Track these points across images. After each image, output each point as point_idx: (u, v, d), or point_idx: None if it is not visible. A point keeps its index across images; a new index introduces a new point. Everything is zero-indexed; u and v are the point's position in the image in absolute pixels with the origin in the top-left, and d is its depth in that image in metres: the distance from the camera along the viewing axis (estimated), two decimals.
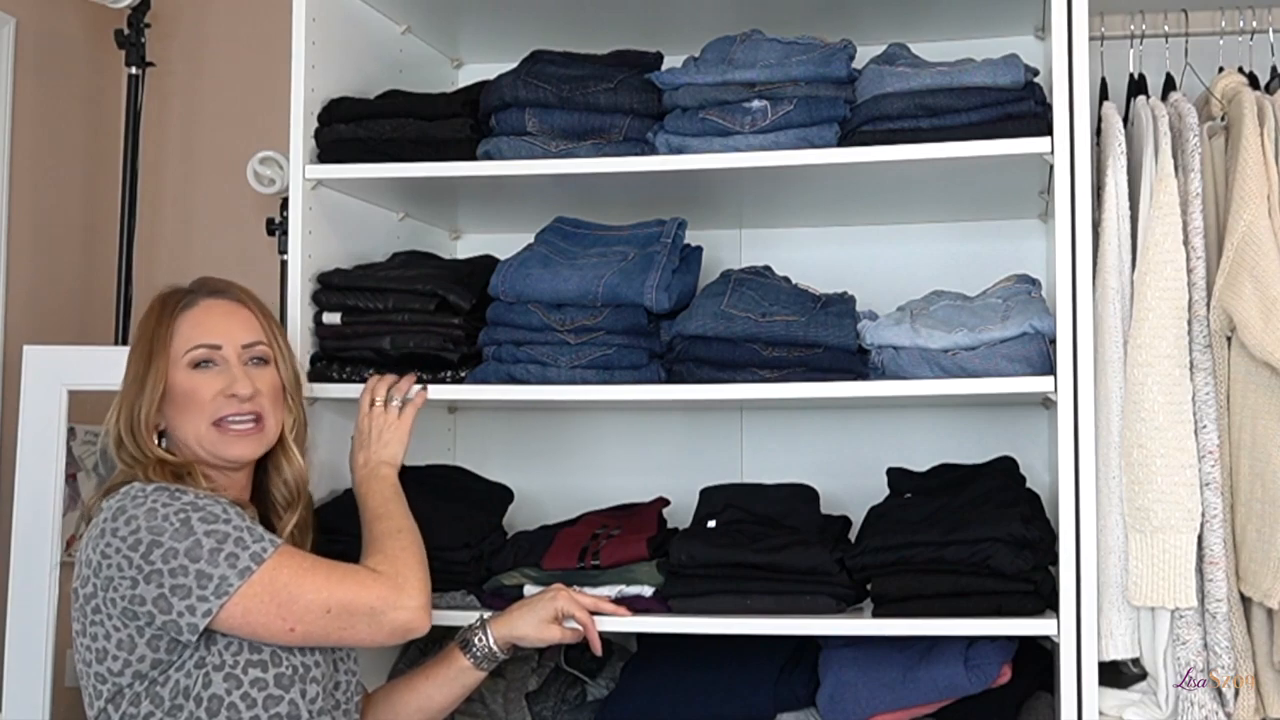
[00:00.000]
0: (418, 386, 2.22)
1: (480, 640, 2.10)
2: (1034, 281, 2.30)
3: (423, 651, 2.41)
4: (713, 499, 2.36)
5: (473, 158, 2.30)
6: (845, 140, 2.18)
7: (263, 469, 2.02)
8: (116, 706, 1.80)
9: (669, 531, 2.33)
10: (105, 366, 2.50)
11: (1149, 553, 2.03)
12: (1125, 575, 2.05)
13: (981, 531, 2.06)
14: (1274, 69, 2.33)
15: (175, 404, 1.93)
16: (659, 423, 2.77)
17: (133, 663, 1.78)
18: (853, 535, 2.31)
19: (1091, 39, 2.20)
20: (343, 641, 1.88)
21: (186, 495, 1.81)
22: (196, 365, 1.94)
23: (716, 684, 2.24)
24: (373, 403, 2.20)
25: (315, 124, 2.33)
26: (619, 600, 2.17)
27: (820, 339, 2.17)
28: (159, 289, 2.02)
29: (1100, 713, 2.05)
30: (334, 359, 2.31)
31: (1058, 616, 2.05)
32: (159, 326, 1.95)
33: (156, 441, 1.92)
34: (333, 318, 2.31)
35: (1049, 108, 2.12)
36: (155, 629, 1.77)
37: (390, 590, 1.89)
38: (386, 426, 2.17)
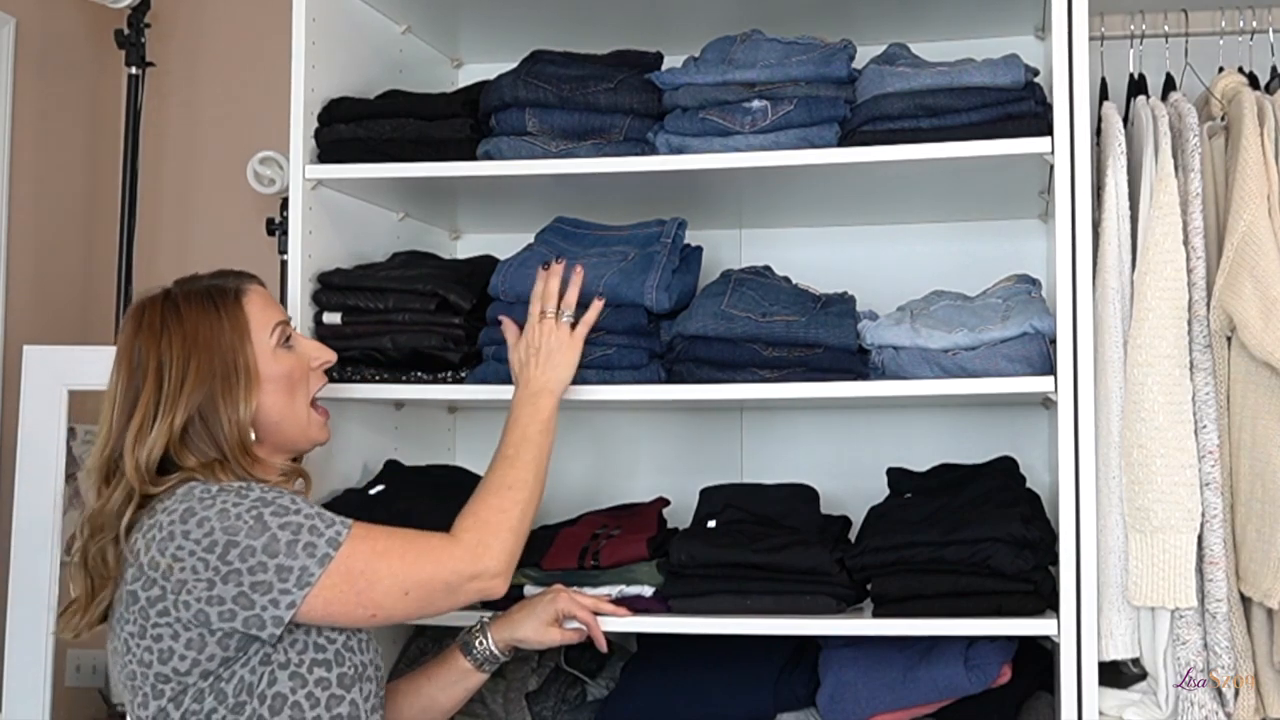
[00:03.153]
0: (598, 304, 2.14)
1: (481, 643, 2.10)
2: (1034, 281, 2.30)
3: (423, 651, 2.42)
4: (713, 499, 2.36)
5: (473, 158, 2.30)
6: (845, 140, 2.18)
7: None
8: (178, 705, 1.77)
9: (669, 531, 2.33)
10: (105, 366, 2.49)
11: (1149, 553, 2.03)
12: (1125, 575, 2.05)
13: (981, 531, 2.06)
14: (1274, 69, 2.33)
15: (268, 387, 1.88)
16: (659, 423, 2.77)
17: (201, 661, 1.75)
18: (853, 535, 2.31)
19: (1091, 39, 2.20)
20: (422, 616, 1.89)
21: (254, 491, 1.78)
22: (283, 342, 1.92)
23: (716, 684, 2.24)
24: (542, 314, 2.11)
25: (315, 124, 2.33)
26: (619, 600, 2.17)
27: (820, 339, 2.17)
28: (139, 294, 1.94)
29: (1100, 713, 2.04)
30: None
31: (1058, 616, 2.05)
32: (223, 317, 1.87)
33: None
34: (333, 317, 2.31)
35: (1049, 108, 2.12)
36: (232, 627, 1.74)
37: (468, 561, 1.87)
38: (559, 346, 2.09)
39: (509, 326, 2.16)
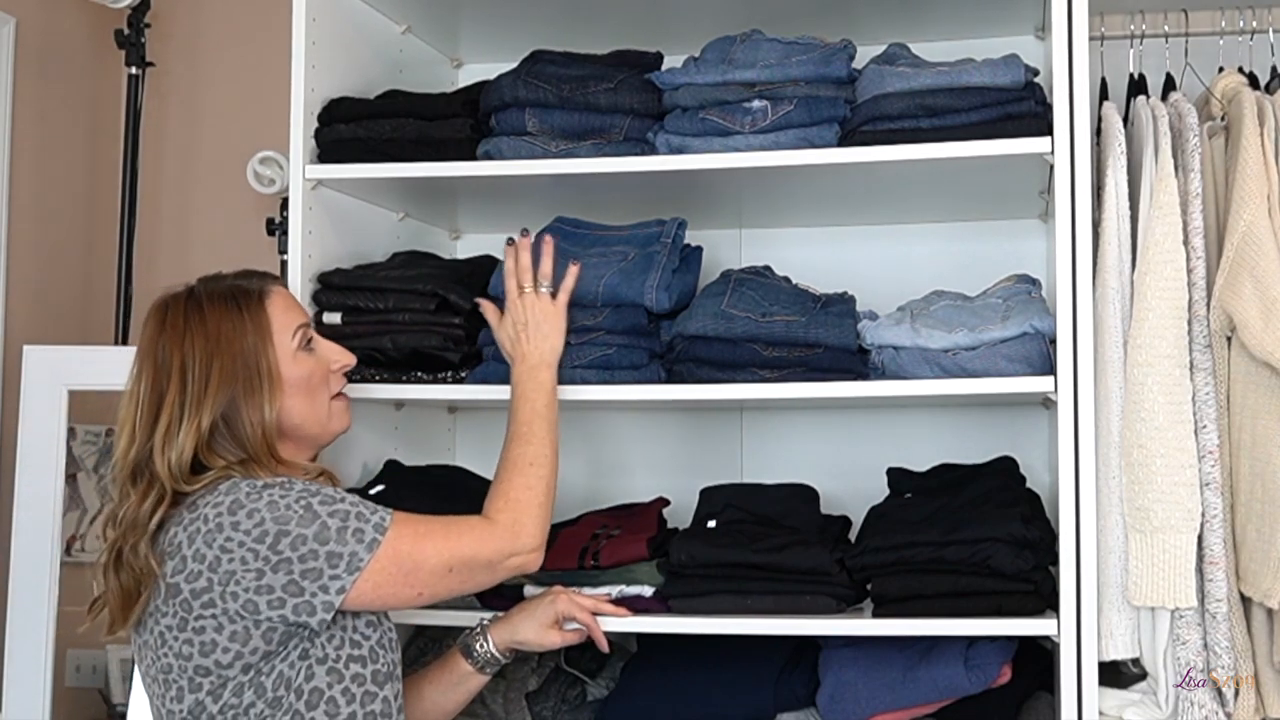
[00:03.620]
0: (574, 269, 2.16)
1: (481, 646, 2.10)
2: (1034, 281, 2.30)
3: (423, 651, 2.42)
4: (713, 499, 2.36)
5: (473, 158, 2.30)
6: (845, 140, 2.18)
7: None
8: (216, 698, 1.77)
9: (669, 531, 2.33)
10: (105, 366, 2.50)
11: (1149, 553, 2.03)
12: (1125, 575, 2.05)
13: (981, 531, 2.06)
14: (1274, 69, 2.33)
15: (289, 390, 1.90)
16: (659, 423, 2.77)
17: (244, 654, 1.76)
18: (853, 535, 2.31)
19: (1091, 39, 2.20)
20: (463, 592, 1.94)
21: (297, 484, 1.81)
22: (305, 345, 1.93)
23: (716, 684, 2.24)
24: (520, 288, 2.14)
25: (315, 124, 2.33)
26: (619, 600, 2.17)
27: (820, 339, 2.17)
28: (163, 291, 1.94)
29: (1100, 713, 2.04)
30: None
31: (1058, 616, 2.05)
32: (246, 319, 1.88)
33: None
34: (333, 318, 2.31)
35: (1049, 108, 2.12)
36: (281, 615, 1.75)
37: (506, 541, 1.94)
38: (545, 317, 2.12)
39: (488, 307, 2.18)
